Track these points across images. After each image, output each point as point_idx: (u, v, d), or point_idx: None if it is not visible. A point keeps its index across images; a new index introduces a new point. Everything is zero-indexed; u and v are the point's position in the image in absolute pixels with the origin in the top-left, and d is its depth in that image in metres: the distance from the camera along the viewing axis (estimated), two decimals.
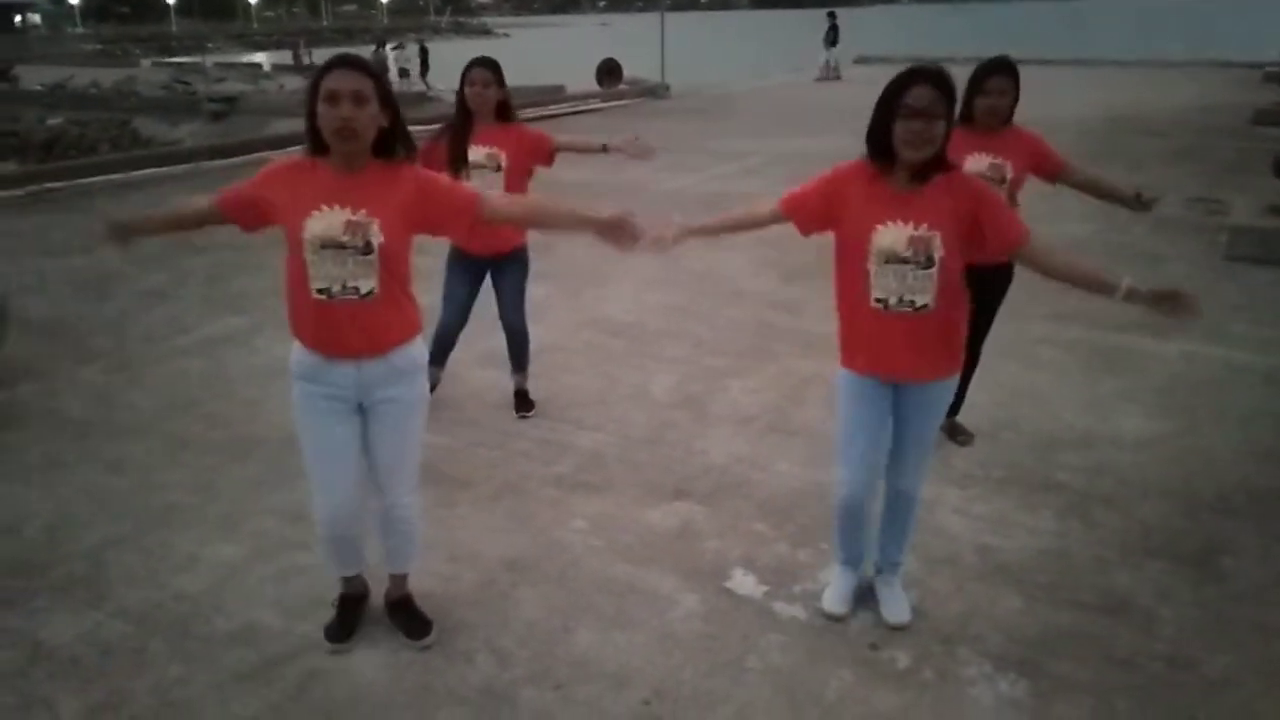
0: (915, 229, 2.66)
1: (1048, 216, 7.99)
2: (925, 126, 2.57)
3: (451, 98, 4.61)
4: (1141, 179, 9.99)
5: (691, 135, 14.64)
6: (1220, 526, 3.66)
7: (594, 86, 20.77)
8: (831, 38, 24.79)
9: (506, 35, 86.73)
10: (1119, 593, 3.24)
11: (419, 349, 2.77)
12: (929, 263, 2.67)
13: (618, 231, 2.69)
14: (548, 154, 4.34)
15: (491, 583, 3.30)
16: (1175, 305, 2.56)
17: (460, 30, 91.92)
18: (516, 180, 4.30)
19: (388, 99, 2.52)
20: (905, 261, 2.67)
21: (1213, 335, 5.67)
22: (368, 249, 2.52)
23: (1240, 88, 19.64)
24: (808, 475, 4.03)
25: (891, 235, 2.67)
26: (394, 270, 2.60)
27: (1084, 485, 3.96)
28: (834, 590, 3.17)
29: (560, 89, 19.78)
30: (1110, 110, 16.15)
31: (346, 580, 3.03)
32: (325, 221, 2.50)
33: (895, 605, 3.11)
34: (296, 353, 2.68)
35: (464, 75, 4.24)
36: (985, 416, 4.51)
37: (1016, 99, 3.87)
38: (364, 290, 2.56)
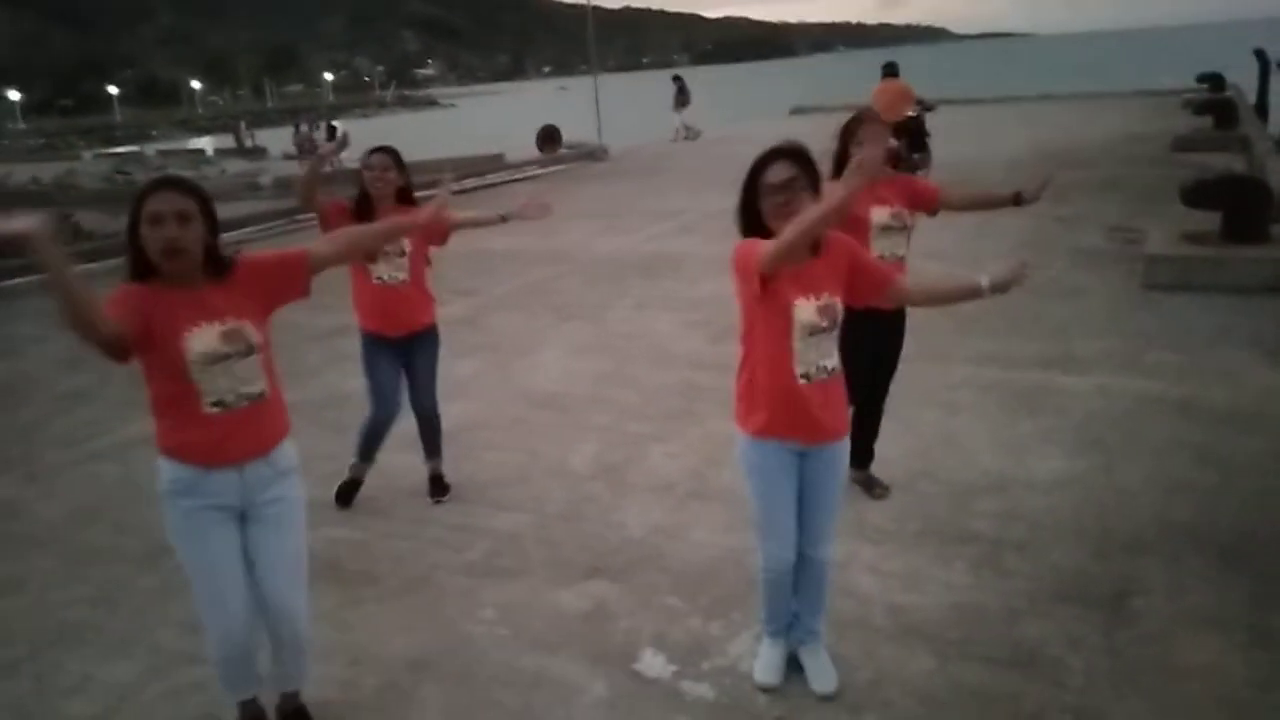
0: (819, 299, 2.74)
1: (969, 258, 8.14)
2: (789, 200, 2.66)
3: None
4: (1067, 211, 10.24)
5: (627, 196, 14.78)
6: (1132, 565, 3.65)
7: (534, 153, 20.93)
8: (681, 100, 24.68)
9: (453, 105, 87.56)
10: (1029, 644, 3.21)
11: (291, 445, 2.76)
12: (835, 326, 2.78)
13: (437, 217, 3.11)
14: (443, 234, 4.35)
15: (393, 685, 3.20)
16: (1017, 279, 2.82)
17: (406, 103, 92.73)
18: (419, 261, 4.32)
19: (211, 216, 2.51)
20: (821, 331, 2.75)
21: (1129, 366, 5.74)
22: (250, 350, 2.55)
23: (1162, 115, 20.18)
24: (724, 542, 3.99)
25: (808, 310, 2.73)
26: (271, 365, 2.64)
27: (998, 533, 3.94)
28: (765, 661, 3.12)
29: (499, 157, 19.90)
30: (1038, 145, 16.49)
31: (243, 705, 2.87)
32: (203, 338, 2.48)
33: (823, 675, 3.05)
34: (170, 470, 2.60)
35: (363, 163, 4.26)
36: (902, 467, 4.50)
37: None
38: (256, 392, 2.58)
